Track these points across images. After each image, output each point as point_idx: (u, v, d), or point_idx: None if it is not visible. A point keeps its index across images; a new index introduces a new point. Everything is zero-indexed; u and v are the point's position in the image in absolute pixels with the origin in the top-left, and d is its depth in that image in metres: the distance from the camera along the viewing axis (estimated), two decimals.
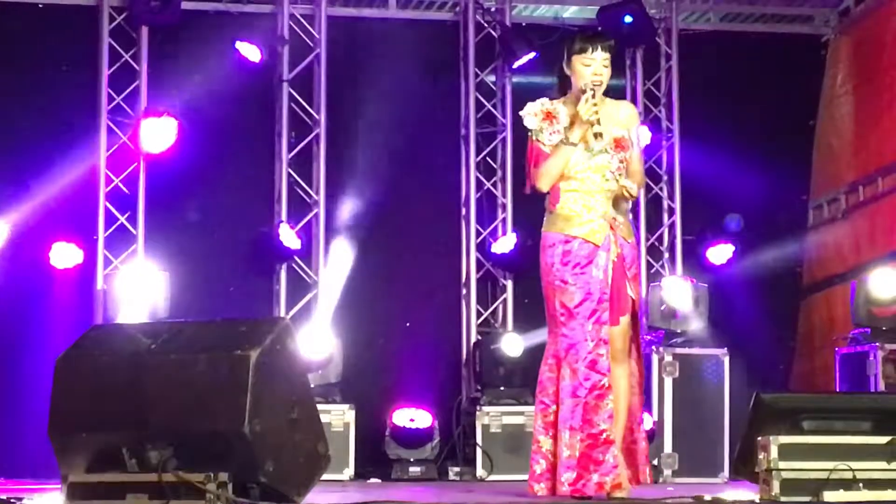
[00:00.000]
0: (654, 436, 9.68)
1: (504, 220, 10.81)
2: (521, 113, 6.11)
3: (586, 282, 5.96)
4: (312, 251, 10.43)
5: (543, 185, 6.02)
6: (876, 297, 9.57)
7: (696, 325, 10.18)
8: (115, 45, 10.21)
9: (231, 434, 4.72)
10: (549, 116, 6.04)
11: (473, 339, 10.51)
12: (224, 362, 4.80)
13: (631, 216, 6.44)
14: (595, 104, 5.93)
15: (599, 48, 5.99)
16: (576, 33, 6.22)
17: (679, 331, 10.18)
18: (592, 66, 5.99)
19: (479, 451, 9.76)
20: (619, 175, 6.01)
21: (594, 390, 5.90)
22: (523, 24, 11.02)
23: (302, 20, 10.62)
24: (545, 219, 6.11)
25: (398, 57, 10.69)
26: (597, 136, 5.96)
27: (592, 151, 6.00)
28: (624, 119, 6.13)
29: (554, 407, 5.97)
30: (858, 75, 10.97)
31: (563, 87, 6.13)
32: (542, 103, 6.07)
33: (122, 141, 10.14)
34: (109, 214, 10.07)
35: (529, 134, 6.07)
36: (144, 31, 10.21)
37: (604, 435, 5.89)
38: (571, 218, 6.01)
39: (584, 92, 5.96)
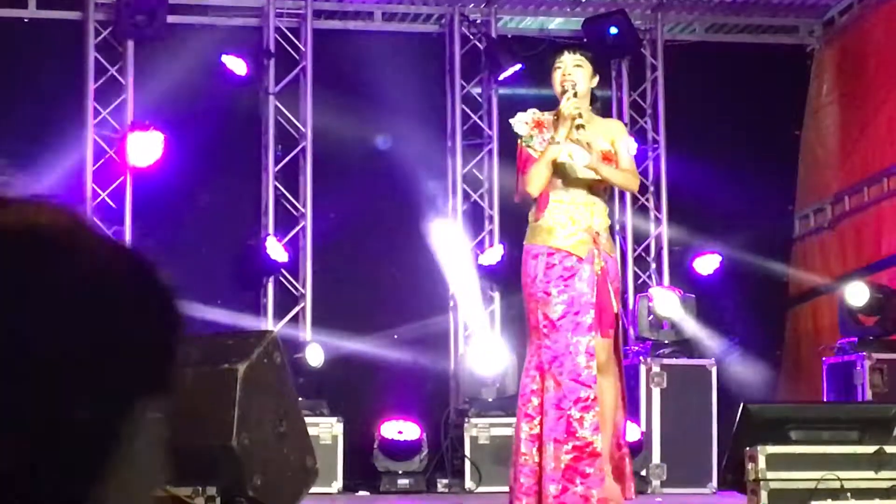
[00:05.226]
0: (641, 447, 9.69)
1: (491, 231, 10.81)
2: (511, 120, 6.13)
3: (570, 294, 5.95)
4: (299, 264, 10.43)
5: (533, 188, 6.00)
6: (853, 306, 9.60)
7: (684, 335, 10.19)
8: (100, 59, 10.20)
9: (219, 448, 4.71)
10: (539, 125, 6.07)
11: (461, 351, 10.51)
12: (212, 376, 4.79)
13: (617, 227, 6.45)
14: (577, 104, 5.97)
15: (566, 52, 6.14)
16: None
17: (666, 341, 10.19)
18: (562, 67, 6.07)
19: (467, 463, 9.76)
20: (605, 189, 6.06)
21: (579, 402, 5.89)
22: (509, 37, 11.04)
23: (288, 33, 10.62)
24: (528, 231, 6.11)
25: (384, 69, 10.70)
26: (579, 127, 5.98)
27: (577, 166, 6.01)
28: (611, 132, 6.16)
29: (539, 418, 5.95)
30: (843, 85, 11.01)
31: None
32: (533, 112, 6.11)
33: (108, 155, 10.13)
34: None
35: (519, 142, 6.08)
36: (130, 44, 10.20)
37: (590, 447, 5.87)
38: (554, 230, 6.01)
39: (563, 92, 6.01)
